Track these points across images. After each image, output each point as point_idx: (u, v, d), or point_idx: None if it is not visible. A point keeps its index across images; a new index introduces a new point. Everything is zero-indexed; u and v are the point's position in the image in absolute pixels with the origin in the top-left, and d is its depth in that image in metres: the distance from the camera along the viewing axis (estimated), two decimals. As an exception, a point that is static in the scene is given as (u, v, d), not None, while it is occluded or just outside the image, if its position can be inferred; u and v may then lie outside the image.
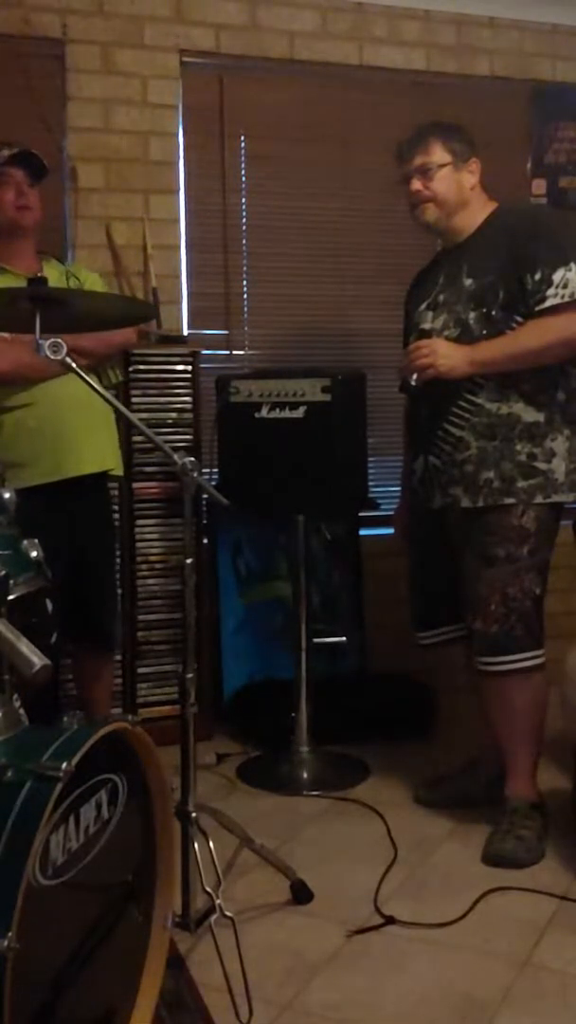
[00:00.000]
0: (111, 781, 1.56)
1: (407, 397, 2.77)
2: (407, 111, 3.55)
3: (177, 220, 3.65)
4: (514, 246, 2.50)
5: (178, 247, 3.66)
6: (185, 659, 2.04)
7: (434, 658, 3.02)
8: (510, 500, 2.51)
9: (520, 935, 2.14)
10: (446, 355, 2.50)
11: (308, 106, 3.80)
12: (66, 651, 3.02)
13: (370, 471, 3.28)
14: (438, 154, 2.59)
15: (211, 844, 2.01)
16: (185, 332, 3.61)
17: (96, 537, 2.91)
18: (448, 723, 3.43)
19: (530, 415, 2.52)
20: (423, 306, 2.67)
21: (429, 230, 2.69)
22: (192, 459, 2.02)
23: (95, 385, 2.00)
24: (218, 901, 1.94)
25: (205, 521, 3.46)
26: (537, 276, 2.46)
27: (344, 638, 3.56)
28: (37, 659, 1.49)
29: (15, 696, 1.63)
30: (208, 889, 1.95)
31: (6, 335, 2.57)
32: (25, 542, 1.81)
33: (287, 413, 3.03)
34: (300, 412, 3.02)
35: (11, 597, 1.63)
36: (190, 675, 2.04)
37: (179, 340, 3.44)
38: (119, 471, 2.95)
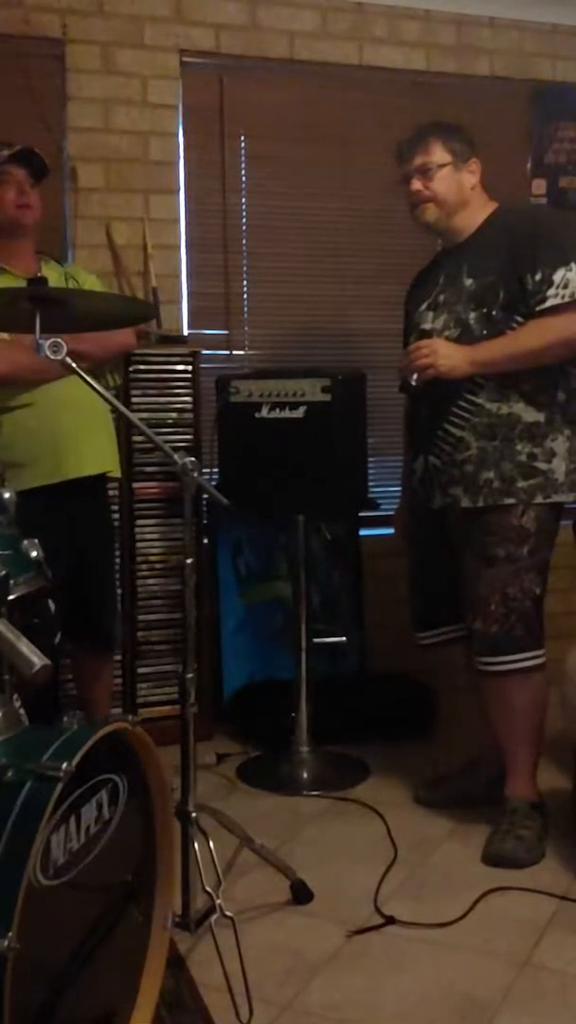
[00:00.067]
0: (111, 781, 1.56)
1: (407, 397, 2.77)
2: (407, 111, 3.55)
3: (177, 220, 3.65)
4: (514, 246, 2.50)
5: (178, 247, 3.66)
6: (185, 659, 2.04)
7: (434, 658, 3.02)
8: (510, 500, 2.51)
9: (520, 935, 2.14)
10: (446, 355, 2.50)
11: (308, 106, 3.80)
12: (66, 651, 3.02)
13: (370, 471, 3.28)
14: (438, 154, 2.59)
15: (211, 844, 2.01)
16: (185, 332, 3.61)
17: (95, 538, 2.91)
18: (448, 723, 3.43)
19: (530, 415, 2.52)
20: (423, 306, 2.67)
21: (429, 230, 2.69)
22: (192, 459, 2.02)
23: (95, 385, 2.00)
24: (218, 901, 1.94)
25: (205, 521, 3.46)
26: (537, 276, 2.46)
27: (344, 638, 3.56)
28: (37, 659, 1.49)
29: (15, 696, 1.63)
30: (208, 889, 1.95)
31: (5, 336, 2.57)
32: (25, 542, 1.81)
33: (287, 413, 3.03)
34: (300, 412, 3.02)
35: (11, 597, 1.63)
36: (190, 675, 2.04)
37: (179, 340, 3.44)
38: (117, 473, 2.95)
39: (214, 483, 3.10)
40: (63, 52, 3.49)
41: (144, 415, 3.25)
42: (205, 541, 3.53)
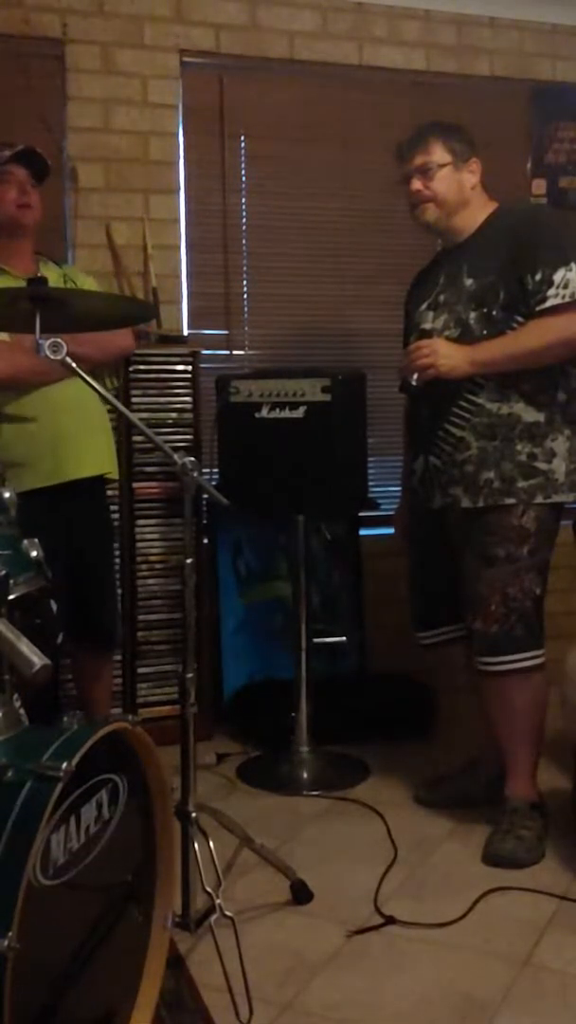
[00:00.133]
0: (111, 781, 1.56)
1: (407, 397, 2.77)
2: (407, 111, 3.56)
3: (177, 220, 3.65)
4: (515, 246, 2.50)
5: (178, 247, 3.66)
6: (185, 659, 2.04)
7: (434, 658, 3.02)
8: (510, 500, 2.51)
9: (520, 935, 2.14)
10: (447, 355, 2.50)
11: (308, 106, 3.80)
12: (66, 651, 3.02)
13: (370, 471, 3.28)
14: (438, 154, 2.59)
15: (211, 844, 2.01)
16: (185, 332, 3.61)
17: (94, 539, 2.91)
18: (448, 723, 3.43)
19: (530, 415, 2.52)
20: (424, 306, 2.67)
21: (429, 230, 2.69)
22: (192, 459, 2.02)
23: (95, 386, 2.00)
24: (218, 901, 1.94)
25: (205, 521, 3.46)
26: (538, 276, 2.46)
27: (344, 638, 3.56)
28: (37, 659, 1.49)
29: (15, 696, 1.63)
30: (208, 889, 1.95)
31: (5, 336, 2.57)
32: (25, 542, 1.81)
33: (287, 413, 3.03)
34: (300, 412, 3.02)
35: (11, 597, 1.63)
36: (190, 675, 2.04)
37: (179, 340, 3.44)
38: (115, 474, 2.96)
39: (214, 483, 3.10)
40: (63, 52, 3.49)
41: (144, 415, 3.25)
42: (205, 541, 3.53)
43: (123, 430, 3.21)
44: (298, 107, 3.79)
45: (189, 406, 3.36)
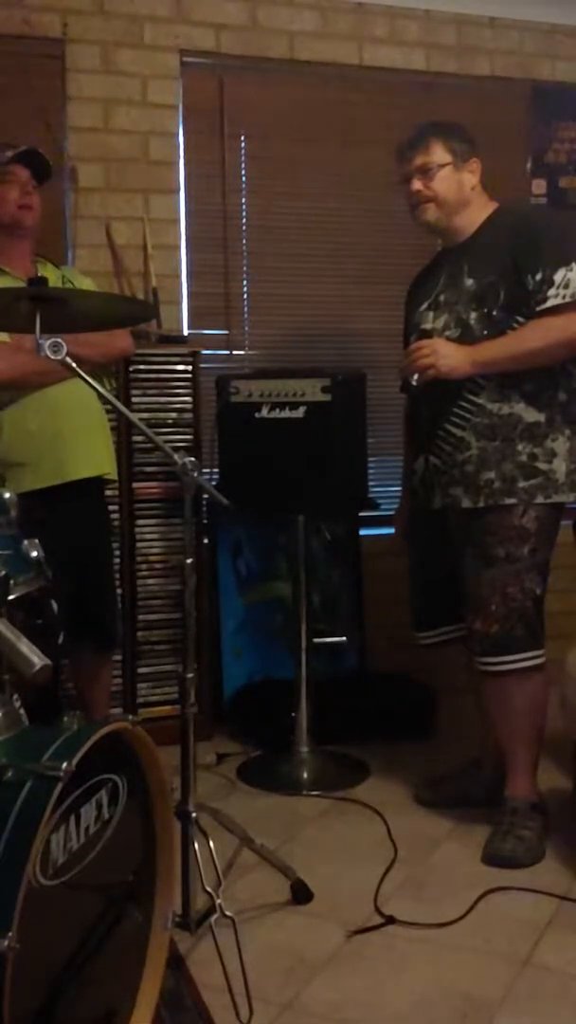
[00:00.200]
0: (111, 781, 1.56)
1: (407, 397, 2.76)
2: (407, 111, 3.56)
3: (177, 220, 3.66)
4: (515, 246, 2.50)
5: (178, 247, 3.66)
6: (185, 659, 2.04)
7: (434, 658, 3.02)
8: (511, 500, 2.51)
9: (520, 935, 2.14)
10: (447, 355, 2.50)
11: (308, 106, 3.80)
12: (65, 651, 3.01)
13: (370, 471, 3.28)
14: (438, 154, 2.59)
15: (211, 844, 2.01)
16: (185, 332, 3.61)
17: (94, 539, 2.91)
18: (448, 723, 3.43)
19: (531, 415, 2.52)
20: (424, 306, 2.67)
21: (429, 230, 2.69)
22: (192, 459, 2.01)
23: (96, 386, 2.00)
24: (218, 901, 1.93)
25: (205, 521, 3.46)
26: (538, 276, 2.46)
27: (344, 638, 3.56)
28: (37, 659, 1.49)
29: (15, 696, 1.63)
30: (208, 889, 1.95)
31: (5, 337, 2.57)
32: (25, 542, 1.81)
33: (287, 413, 3.03)
34: (300, 412, 3.02)
35: (11, 597, 1.63)
36: (190, 675, 2.03)
37: (179, 340, 3.44)
38: (114, 475, 2.96)
39: (214, 483, 3.10)
40: (63, 52, 3.49)
41: (144, 415, 3.25)
42: (205, 541, 3.53)
43: (123, 430, 3.21)
44: (298, 107, 3.79)
45: (189, 406, 3.36)
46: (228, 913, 1.94)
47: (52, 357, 1.87)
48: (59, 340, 1.88)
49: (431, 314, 2.63)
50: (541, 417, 2.52)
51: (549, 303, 2.46)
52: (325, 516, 3.65)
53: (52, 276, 2.78)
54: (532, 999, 1.92)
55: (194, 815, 2.01)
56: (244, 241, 3.78)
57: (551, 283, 2.45)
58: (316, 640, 3.25)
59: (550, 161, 4.07)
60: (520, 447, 2.51)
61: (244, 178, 3.77)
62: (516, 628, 2.53)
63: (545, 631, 2.59)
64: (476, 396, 2.53)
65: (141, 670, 3.34)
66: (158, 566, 3.35)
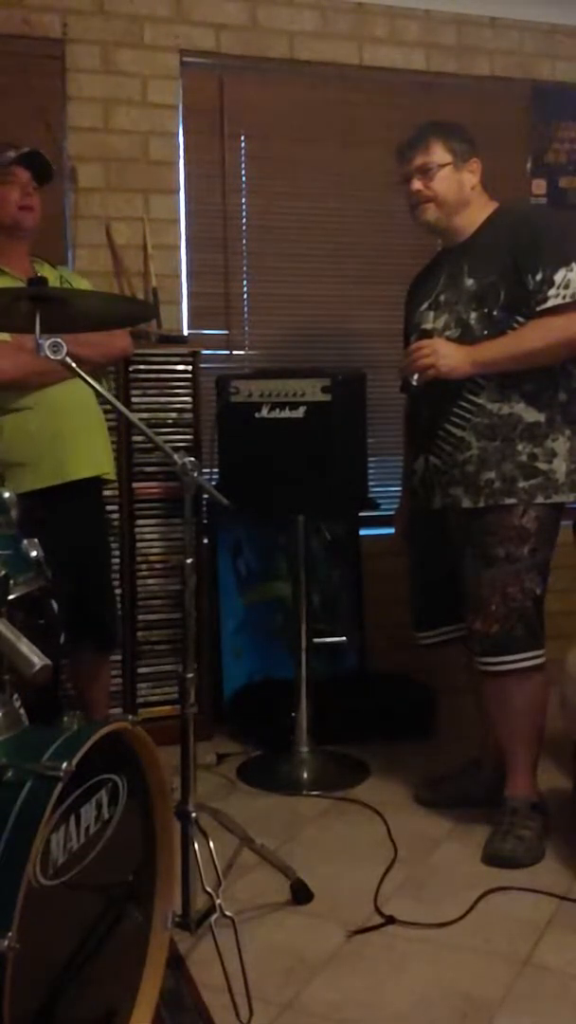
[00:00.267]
0: (111, 781, 1.56)
1: (407, 397, 2.76)
2: (407, 111, 3.56)
3: (177, 220, 3.66)
4: (515, 246, 2.50)
5: (178, 247, 3.66)
6: (185, 659, 2.04)
7: (434, 658, 3.02)
8: (511, 500, 2.51)
9: (520, 935, 2.14)
10: (447, 355, 2.50)
11: (308, 106, 3.80)
12: (64, 651, 3.01)
13: (370, 471, 3.28)
14: (438, 154, 2.59)
15: (211, 844, 2.01)
16: (185, 332, 3.61)
17: (93, 539, 2.92)
18: (448, 723, 3.43)
19: (531, 415, 2.52)
20: (424, 306, 2.67)
21: (430, 230, 2.69)
22: (192, 459, 2.01)
23: (96, 386, 2.00)
24: (218, 901, 1.93)
25: (205, 521, 3.46)
26: (538, 276, 2.46)
27: (344, 638, 3.56)
28: (37, 659, 1.49)
29: (15, 696, 1.63)
30: (208, 889, 1.95)
31: (6, 336, 2.57)
32: (25, 542, 1.81)
33: (287, 413, 3.03)
34: (300, 412, 3.02)
35: (11, 597, 1.63)
36: (190, 675, 2.04)
37: (179, 340, 3.44)
38: (113, 475, 2.96)
39: (214, 483, 3.10)
40: (63, 52, 3.49)
41: (144, 415, 3.25)
42: (205, 541, 3.53)
43: (123, 430, 3.21)
44: (298, 107, 3.79)
45: (189, 406, 3.36)
46: (228, 913, 1.94)
47: (52, 357, 1.87)
48: (59, 340, 1.88)
49: (431, 314, 2.63)
50: (541, 417, 2.52)
51: (549, 303, 2.46)
52: (325, 516, 3.65)
53: (50, 276, 2.78)
54: (532, 999, 1.92)
55: (194, 815, 2.01)
56: (244, 241, 3.78)
57: (551, 283, 2.45)
58: (316, 640, 3.25)
59: (550, 161, 4.07)
60: (520, 447, 2.51)
61: (244, 178, 3.77)
62: (516, 628, 2.53)
63: (545, 631, 2.59)
64: (476, 396, 2.53)
65: (141, 670, 3.34)
66: (158, 566, 3.35)
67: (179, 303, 3.65)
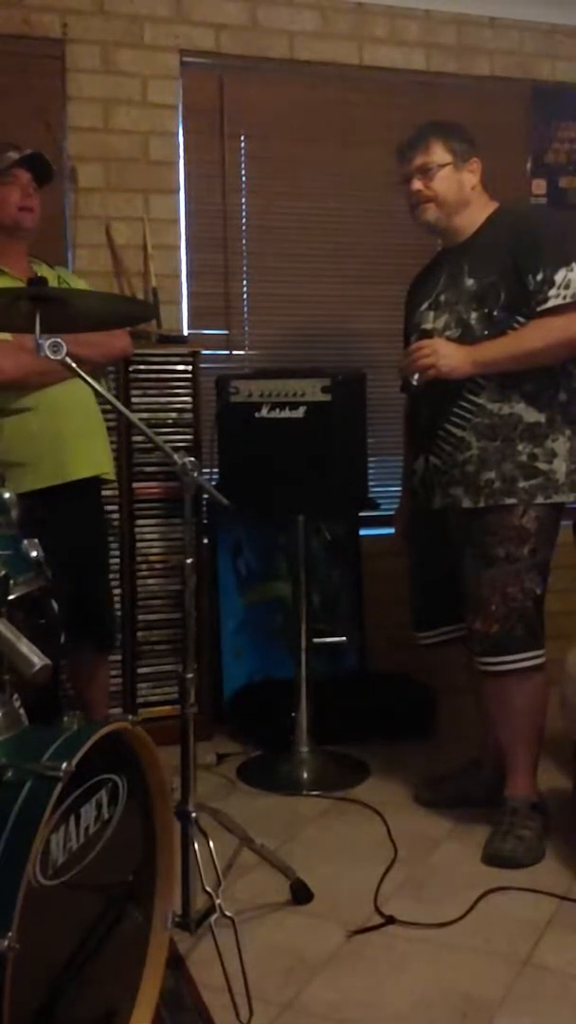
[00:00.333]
0: (111, 781, 1.56)
1: (408, 397, 2.76)
2: (407, 111, 3.56)
3: (177, 220, 3.66)
4: (515, 247, 2.50)
5: (178, 247, 3.66)
6: (185, 659, 2.04)
7: (434, 658, 3.02)
8: (511, 500, 2.51)
9: (520, 935, 2.14)
10: (448, 355, 2.50)
11: (308, 106, 3.80)
12: (64, 651, 3.01)
13: (370, 471, 3.28)
14: (439, 154, 2.59)
15: (211, 844, 2.01)
16: (185, 332, 3.61)
17: (93, 539, 2.92)
18: (448, 723, 3.43)
19: (531, 415, 2.52)
20: (424, 306, 2.67)
21: (430, 230, 2.69)
22: (192, 459, 2.01)
23: (97, 386, 2.00)
24: (218, 901, 1.93)
25: (205, 521, 3.46)
26: (539, 277, 2.46)
27: (344, 638, 3.56)
28: (37, 659, 1.49)
29: (15, 696, 1.63)
30: (208, 889, 1.95)
31: (8, 337, 2.57)
32: (25, 542, 1.81)
33: (287, 413, 3.03)
34: (300, 412, 3.02)
35: (11, 597, 1.63)
36: (190, 675, 2.04)
37: (179, 340, 3.44)
38: (112, 475, 2.96)
39: (214, 483, 3.10)
40: (63, 52, 3.49)
41: (144, 415, 3.25)
42: (205, 541, 3.53)
43: (123, 430, 3.21)
44: (298, 107, 3.79)
45: (189, 406, 3.36)
46: (228, 913, 1.94)
47: (52, 357, 1.87)
48: (59, 340, 1.88)
49: (431, 314, 2.63)
50: (541, 417, 2.52)
51: (550, 303, 2.46)
52: (325, 516, 3.65)
53: (49, 277, 2.79)
54: (532, 999, 1.92)
55: (194, 815, 2.01)
56: (244, 241, 3.78)
57: (552, 283, 2.45)
58: (316, 640, 3.25)
59: (550, 161, 4.07)
60: (520, 447, 2.51)
61: (244, 178, 3.77)
62: (516, 628, 2.53)
63: (545, 631, 2.59)
64: (476, 396, 2.53)
65: (141, 670, 3.34)
66: (158, 566, 3.35)
67: (179, 303, 3.65)
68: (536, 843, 2.50)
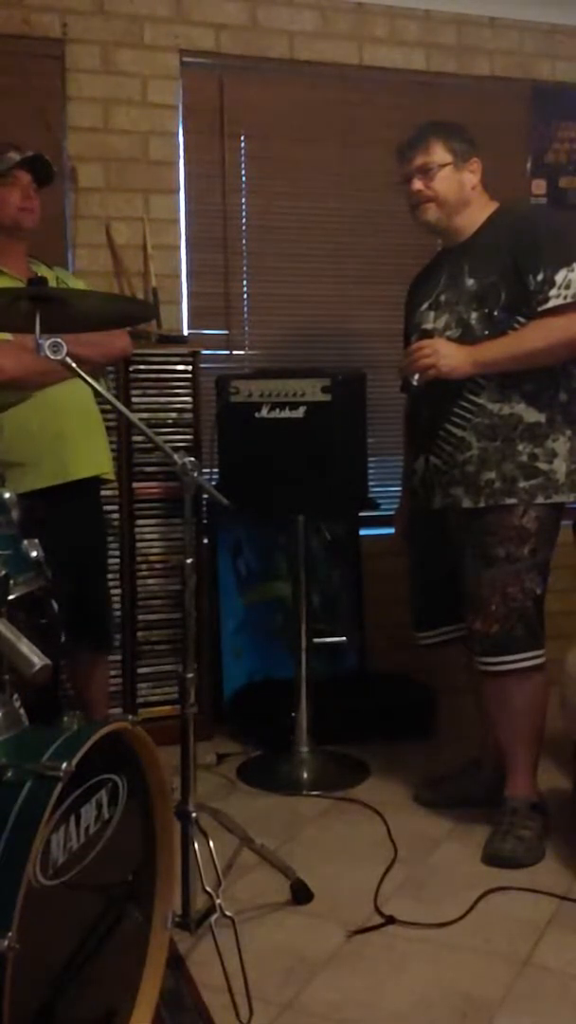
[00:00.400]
0: (111, 781, 1.56)
1: (408, 397, 2.76)
2: (407, 111, 3.56)
3: (177, 220, 3.65)
4: (516, 247, 2.50)
5: (178, 247, 3.66)
6: (185, 659, 2.04)
7: (434, 658, 3.02)
8: (511, 500, 2.51)
9: (520, 935, 2.14)
10: (448, 355, 2.50)
11: (308, 106, 3.80)
12: (64, 651, 3.01)
13: (370, 471, 3.28)
14: (439, 154, 2.59)
15: (211, 844, 2.01)
16: (185, 332, 3.61)
17: (92, 539, 2.92)
18: (448, 723, 3.43)
19: (532, 415, 2.52)
20: (424, 306, 2.67)
21: (430, 230, 2.69)
22: (192, 459, 2.01)
23: (97, 386, 2.00)
24: (218, 901, 1.94)
25: (205, 521, 3.46)
26: (539, 277, 2.46)
27: (344, 638, 3.56)
28: (37, 659, 1.49)
29: (15, 696, 1.63)
30: (208, 889, 1.95)
31: (8, 336, 2.57)
32: (25, 542, 1.81)
33: (287, 413, 3.03)
34: (300, 412, 3.02)
35: (11, 597, 1.63)
36: (190, 675, 2.04)
37: (179, 340, 3.44)
38: (112, 475, 2.96)
39: (214, 483, 3.10)
40: (63, 52, 3.49)
41: (144, 415, 3.25)
42: (205, 541, 3.53)
43: (123, 430, 3.21)
44: (298, 107, 3.79)
45: (189, 406, 3.36)
46: (228, 913, 1.94)
47: (52, 357, 1.87)
48: (59, 340, 1.88)
49: (432, 314, 2.63)
50: (542, 417, 2.52)
51: (550, 303, 2.46)
52: (325, 516, 3.65)
53: (48, 277, 2.79)
54: (532, 999, 1.92)
55: (194, 815, 2.01)
56: (244, 241, 3.77)
57: (552, 283, 2.45)
58: (316, 640, 3.25)
59: (550, 161, 4.07)
60: (520, 447, 2.51)
61: (244, 178, 3.77)
62: (516, 628, 2.53)
63: (545, 631, 2.59)
64: (477, 396, 2.53)
65: (141, 670, 3.34)
66: (158, 566, 3.35)
67: (179, 303, 3.65)
68: (536, 843, 2.50)
